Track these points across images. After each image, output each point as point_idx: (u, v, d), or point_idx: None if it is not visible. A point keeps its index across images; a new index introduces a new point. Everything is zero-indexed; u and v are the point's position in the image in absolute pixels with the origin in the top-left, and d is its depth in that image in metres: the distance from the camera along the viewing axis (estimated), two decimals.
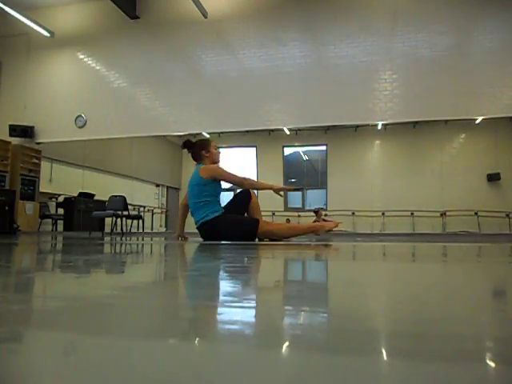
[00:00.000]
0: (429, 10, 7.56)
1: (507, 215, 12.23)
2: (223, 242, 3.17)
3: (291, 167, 15.04)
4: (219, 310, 0.64)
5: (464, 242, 4.10)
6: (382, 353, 0.42)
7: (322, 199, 14.38)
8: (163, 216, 15.09)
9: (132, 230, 9.21)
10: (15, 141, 8.99)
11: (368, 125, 12.23)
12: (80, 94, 9.15)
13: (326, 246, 3.03)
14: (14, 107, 9.49)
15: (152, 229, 13.11)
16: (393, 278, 1.15)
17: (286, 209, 14.54)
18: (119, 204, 7.52)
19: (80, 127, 9.02)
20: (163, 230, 14.48)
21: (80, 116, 9.02)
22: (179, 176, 15.81)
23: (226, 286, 0.98)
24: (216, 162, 3.82)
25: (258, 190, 4.05)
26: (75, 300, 0.74)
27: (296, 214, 14.11)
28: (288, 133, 13.41)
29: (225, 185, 3.96)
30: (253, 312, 0.65)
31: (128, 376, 0.35)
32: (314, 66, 8.07)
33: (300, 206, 14.56)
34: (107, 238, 4.80)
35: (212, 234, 3.53)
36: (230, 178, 3.71)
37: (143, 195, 13.36)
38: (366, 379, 0.34)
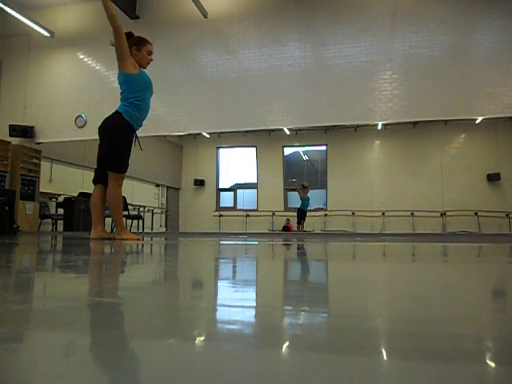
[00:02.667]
0: (429, 10, 7.56)
1: (507, 215, 12.23)
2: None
3: (291, 167, 15.04)
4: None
5: (464, 241, 4.10)
6: (382, 353, 0.42)
7: (322, 199, 14.38)
8: (163, 216, 15.10)
9: (132, 230, 9.20)
10: (15, 141, 8.99)
11: (368, 125, 12.23)
12: (80, 94, 9.15)
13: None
14: (14, 107, 9.49)
15: (152, 229, 13.11)
16: (393, 278, 1.15)
17: (286, 209, 14.55)
18: None
19: (80, 127, 9.02)
20: (163, 229, 14.48)
21: (80, 116, 9.02)
22: (179, 176, 15.82)
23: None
24: (142, 66, 3.67)
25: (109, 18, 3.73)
26: (74, 300, 0.74)
27: (296, 214, 14.10)
28: (288, 133, 13.41)
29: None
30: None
31: (128, 376, 0.35)
32: (314, 66, 8.07)
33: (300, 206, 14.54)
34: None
35: None
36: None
37: (143, 195, 13.36)
38: (366, 379, 0.34)
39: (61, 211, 9.68)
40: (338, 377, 0.34)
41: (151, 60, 3.69)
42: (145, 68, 3.69)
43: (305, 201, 12.13)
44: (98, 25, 9.01)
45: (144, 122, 3.75)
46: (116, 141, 3.51)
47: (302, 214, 12.04)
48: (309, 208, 12.58)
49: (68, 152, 10.39)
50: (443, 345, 0.44)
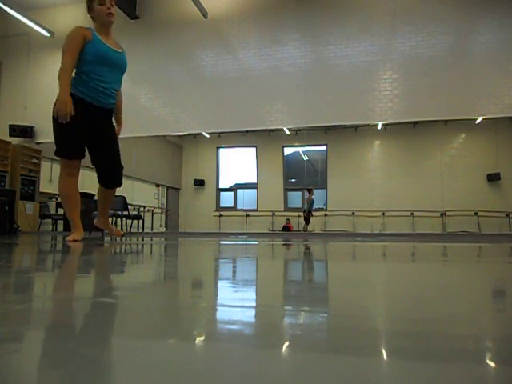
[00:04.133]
0: (429, 10, 7.56)
1: (507, 215, 12.23)
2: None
3: (291, 167, 15.04)
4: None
5: (464, 242, 4.10)
6: (382, 353, 0.42)
7: (322, 199, 14.37)
8: (163, 216, 15.10)
9: (132, 230, 9.21)
10: (15, 141, 8.99)
11: (368, 125, 12.23)
12: None
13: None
14: (14, 107, 9.49)
15: (152, 229, 13.10)
16: (393, 278, 1.15)
17: (286, 209, 14.55)
18: (119, 204, 7.52)
19: None
20: (163, 230, 14.48)
21: None
22: (179, 176, 15.82)
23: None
24: (105, 22, 3.09)
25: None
26: (73, 300, 0.74)
27: (296, 213, 14.11)
28: (288, 133, 13.41)
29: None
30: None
31: (128, 376, 0.35)
32: (314, 66, 8.07)
33: (300, 206, 14.56)
34: (107, 238, 4.80)
35: None
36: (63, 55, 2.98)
37: (143, 195, 13.36)
38: (366, 379, 0.34)
39: (61, 211, 9.68)
40: (338, 377, 0.34)
41: (109, 10, 3.06)
42: (109, 21, 3.09)
43: (311, 203, 12.52)
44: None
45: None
46: (55, 118, 2.97)
47: (309, 215, 12.34)
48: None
49: None
50: (443, 345, 0.44)
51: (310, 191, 12.49)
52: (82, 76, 3.05)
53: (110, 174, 3.39)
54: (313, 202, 12.50)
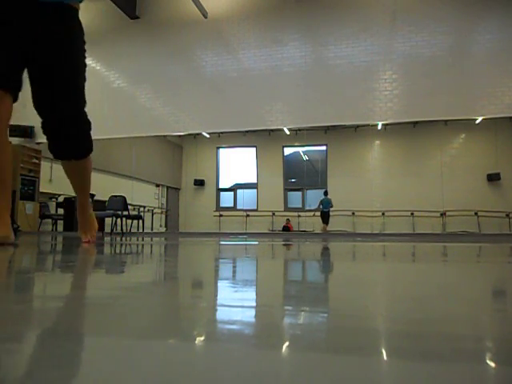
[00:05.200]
0: (429, 10, 7.57)
1: (507, 215, 12.23)
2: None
3: (291, 167, 15.05)
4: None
5: (464, 242, 4.10)
6: (382, 353, 0.42)
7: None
8: (163, 216, 15.10)
9: (132, 230, 9.21)
10: (15, 141, 8.99)
11: (368, 125, 12.23)
12: None
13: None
14: (13, 107, 9.49)
15: (152, 229, 13.11)
16: (393, 278, 1.15)
17: (286, 209, 14.55)
18: (119, 204, 7.52)
19: None
20: (163, 230, 14.48)
21: None
22: (179, 176, 15.83)
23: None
24: None
25: None
26: (72, 300, 0.74)
27: (296, 214, 14.12)
28: (288, 133, 13.42)
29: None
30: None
31: (127, 376, 0.35)
32: (314, 66, 8.07)
33: (300, 206, 14.57)
34: (107, 239, 4.80)
35: None
36: None
37: (143, 195, 13.37)
38: (366, 379, 0.34)
39: (61, 211, 9.69)
40: (338, 377, 0.34)
41: None
42: None
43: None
44: (97, 25, 9.00)
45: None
46: None
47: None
48: (309, 208, 12.86)
49: None
50: (443, 345, 0.44)
51: (326, 193, 12.78)
52: None
53: (54, 129, 2.14)
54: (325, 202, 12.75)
